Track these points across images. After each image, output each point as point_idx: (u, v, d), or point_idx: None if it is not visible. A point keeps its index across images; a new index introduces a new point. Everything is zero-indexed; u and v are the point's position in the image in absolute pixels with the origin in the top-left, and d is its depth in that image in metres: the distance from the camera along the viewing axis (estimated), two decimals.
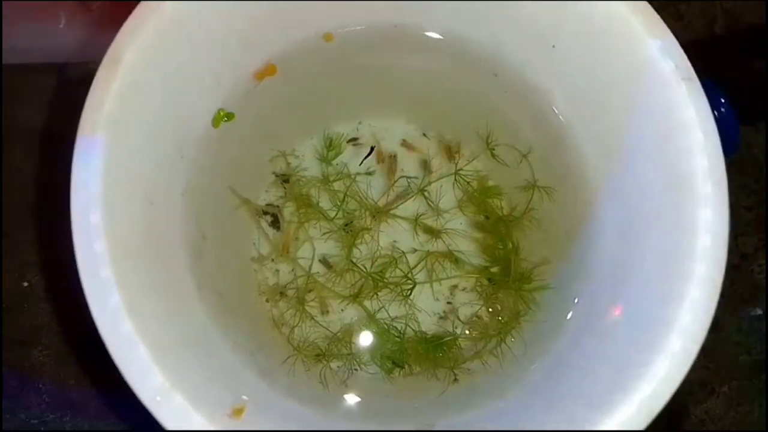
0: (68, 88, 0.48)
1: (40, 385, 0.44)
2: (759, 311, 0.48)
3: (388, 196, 0.41)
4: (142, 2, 0.29)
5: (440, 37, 0.37)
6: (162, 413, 0.25)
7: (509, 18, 0.34)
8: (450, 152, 0.41)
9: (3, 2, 0.46)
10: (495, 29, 0.35)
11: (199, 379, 0.27)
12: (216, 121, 0.36)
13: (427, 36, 0.37)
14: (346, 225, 0.41)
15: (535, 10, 0.33)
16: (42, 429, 0.44)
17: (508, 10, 0.34)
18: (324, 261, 0.40)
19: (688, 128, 0.28)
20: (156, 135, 0.31)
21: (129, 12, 0.31)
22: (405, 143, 0.42)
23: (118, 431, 0.44)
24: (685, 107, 0.28)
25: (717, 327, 0.47)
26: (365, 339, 0.39)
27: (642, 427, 0.26)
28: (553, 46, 0.33)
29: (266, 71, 0.37)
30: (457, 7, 0.35)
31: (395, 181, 0.41)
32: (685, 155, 0.28)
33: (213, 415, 0.25)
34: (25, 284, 0.46)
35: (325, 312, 0.39)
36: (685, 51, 0.54)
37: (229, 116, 0.36)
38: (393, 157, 0.42)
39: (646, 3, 0.30)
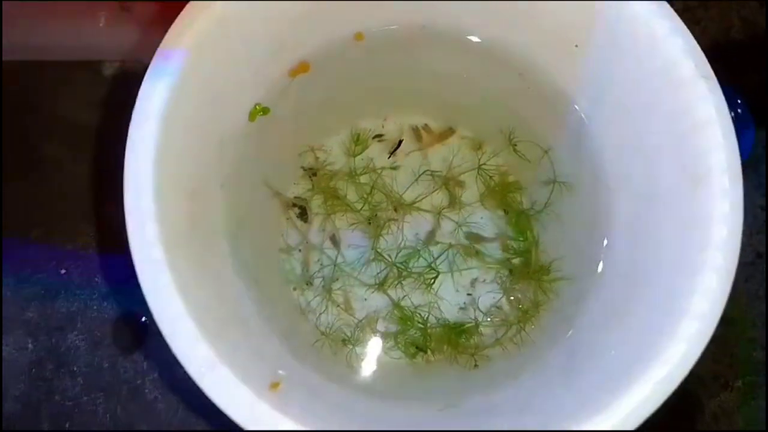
0: (107, 84, 0.50)
1: (75, 368, 0.46)
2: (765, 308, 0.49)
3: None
4: (189, 4, 0.31)
5: (465, 38, 0.39)
6: (207, 384, 0.27)
7: (533, 19, 0.36)
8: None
9: (44, 2, 0.48)
10: (520, 30, 0.37)
11: (240, 355, 0.29)
12: (252, 115, 0.38)
13: (453, 37, 0.39)
14: (371, 217, 0.42)
15: (559, 10, 0.34)
16: (75, 411, 0.46)
17: (532, 11, 0.35)
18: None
19: (707, 125, 0.29)
20: (199, 128, 0.33)
21: (166, 15, 0.33)
22: (426, 127, 0.44)
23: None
24: (704, 105, 0.29)
25: (731, 323, 0.48)
26: (389, 325, 0.40)
27: (656, 406, 0.27)
28: (576, 46, 0.35)
29: (300, 69, 0.39)
30: (483, 9, 0.37)
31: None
32: (704, 151, 0.29)
33: (255, 387, 0.27)
34: (63, 271, 0.48)
35: (349, 309, 0.41)
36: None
37: (265, 111, 0.38)
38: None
39: (666, 4, 0.31)
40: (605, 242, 0.37)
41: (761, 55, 0.54)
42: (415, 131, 0.44)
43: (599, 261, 0.36)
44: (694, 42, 0.30)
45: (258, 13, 0.34)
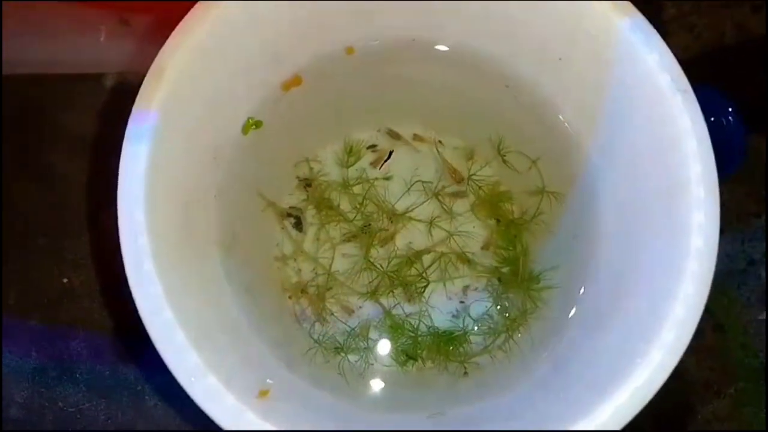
0: (107, 96, 0.52)
1: (78, 375, 0.47)
2: (765, 315, 0.49)
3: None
4: (185, 19, 0.32)
5: (454, 51, 0.40)
6: (196, 392, 0.28)
7: (519, 34, 0.36)
8: (455, 173, 0.43)
9: (48, 17, 0.49)
10: (505, 43, 0.37)
11: (229, 364, 0.30)
12: (246, 128, 0.39)
13: (442, 50, 0.40)
14: (364, 227, 0.43)
15: (543, 26, 0.35)
16: (78, 417, 0.47)
17: (518, 26, 0.36)
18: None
19: (684, 136, 0.30)
20: (192, 141, 0.34)
21: (164, 29, 0.34)
22: (417, 137, 0.44)
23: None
24: (680, 117, 0.30)
25: (724, 330, 0.49)
26: (381, 334, 0.41)
27: (636, 410, 0.28)
28: (560, 59, 0.36)
29: (293, 82, 0.40)
30: (471, 24, 0.37)
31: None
32: (681, 162, 0.30)
33: (242, 395, 0.28)
34: (65, 281, 0.49)
35: (350, 312, 0.42)
36: (696, 61, 0.55)
37: (258, 124, 0.39)
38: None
39: (644, 19, 0.32)
40: (592, 250, 0.37)
41: (754, 60, 0.54)
42: (394, 135, 0.44)
43: (586, 269, 0.37)
44: (671, 55, 0.31)
45: (251, 29, 0.35)
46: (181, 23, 0.32)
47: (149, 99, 0.30)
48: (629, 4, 0.32)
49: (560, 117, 0.38)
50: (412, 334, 0.40)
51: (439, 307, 0.42)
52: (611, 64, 0.33)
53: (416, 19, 0.38)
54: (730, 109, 0.49)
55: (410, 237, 0.43)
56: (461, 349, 0.39)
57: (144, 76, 0.32)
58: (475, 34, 0.38)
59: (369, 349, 0.40)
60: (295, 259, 0.43)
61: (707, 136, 0.30)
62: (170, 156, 0.32)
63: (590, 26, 0.33)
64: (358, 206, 0.43)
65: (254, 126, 0.39)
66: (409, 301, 0.41)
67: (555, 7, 0.34)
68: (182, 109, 0.32)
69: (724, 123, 0.49)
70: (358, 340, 0.40)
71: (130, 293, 0.30)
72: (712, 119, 0.50)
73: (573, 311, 0.36)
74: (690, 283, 0.28)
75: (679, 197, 0.29)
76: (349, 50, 0.40)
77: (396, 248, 0.43)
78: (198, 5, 0.32)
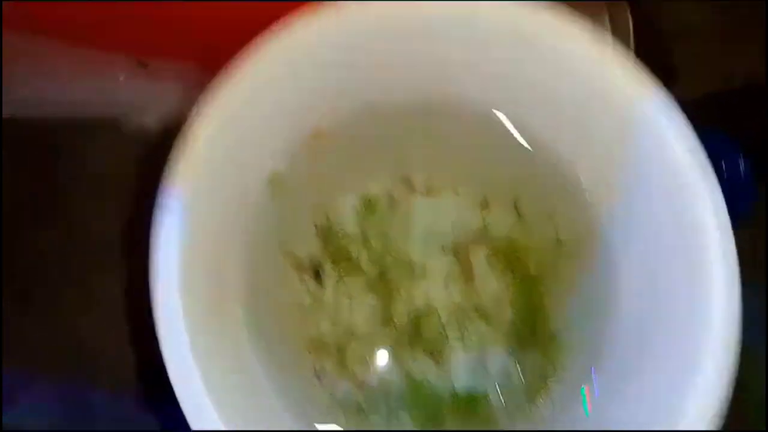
0: (125, 139, 0.52)
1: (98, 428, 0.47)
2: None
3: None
4: (210, 89, 0.33)
5: (474, 111, 0.41)
6: None
7: (538, 98, 0.38)
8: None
9: (65, 59, 0.50)
10: (525, 107, 0.38)
11: (252, 424, 0.30)
12: (269, 183, 0.40)
13: (463, 109, 0.41)
14: (382, 279, 0.44)
15: (561, 93, 0.36)
16: None
17: (536, 91, 0.37)
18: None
19: (700, 208, 0.30)
20: (221, 205, 0.35)
21: (183, 71, 0.34)
22: (433, 189, 0.45)
23: None
24: (691, 173, 0.31)
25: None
26: (401, 392, 0.41)
27: None
28: (578, 124, 0.37)
29: (316, 136, 0.41)
30: (489, 87, 0.38)
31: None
32: (701, 242, 0.30)
33: None
34: (85, 330, 0.49)
35: (369, 368, 0.42)
36: (704, 104, 0.56)
37: (281, 180, 0.40)
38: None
39: (663, 93, 0.33)
40: (611, 312, 0.38)
41: (761, 103, 0.55)
42: (411, 187, 0.45)
43: (605, 331, 0.37)
44: (690, 130, 0.32)
45: (279, 92, 0.36)
46: (210, 91, 0.33)
47: (183, 171, 0.31)
48: (648, 78, 0.33)
49: (579, 178, 0.39)
50: (432, 395, 0.40)
51: (459, 365, 0.42)
52: (630, 134, 0.33)
53: (435, 83, 0.40)
54: (739, 154, 0.49)
55: (428, 290, 0.44)
56: (481, 412, 0.39)
57: (162, 118, 0.33)
58: (494, 96, 0.39)
59: (390, 408, 0.40)
60: (314, 313, 0.43)
61: (722, 199, 0.30)
62: (201, 221, 0.33)
63: (609, 95, 0.34)
64: (376, 259, 0.44)
65: (278, 180, 0.40)
66: (429, 357, 0.42)
67: (572, 76, 0.35)
68: (213, 175, 0.33)
69: (733, 168, 0.49)
70: (378, 398, 0.41)
71: (153, 344, 0.30)
72: (722, 164, 0.51)
73: (593, 375, 0.37)
74: (711, 359, 0.28)
75: (699, 270, 0.30)
76: (369, 106, 0.41)
77: (414, 303, 0.43)
78: (223, 74, 0.33)
